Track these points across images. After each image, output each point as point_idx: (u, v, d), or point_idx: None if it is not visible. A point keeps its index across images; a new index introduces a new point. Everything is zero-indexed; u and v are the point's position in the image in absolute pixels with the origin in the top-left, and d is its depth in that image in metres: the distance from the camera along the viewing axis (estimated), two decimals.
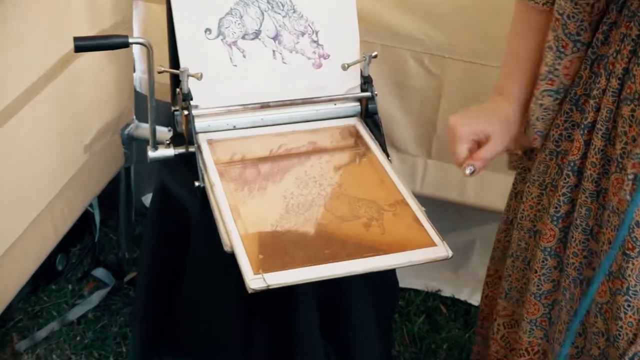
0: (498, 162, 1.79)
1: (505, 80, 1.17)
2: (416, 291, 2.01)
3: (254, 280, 1.07)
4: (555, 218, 1.14)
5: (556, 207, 1.13)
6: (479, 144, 1.14)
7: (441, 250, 1.15)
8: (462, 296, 2.00)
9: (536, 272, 1.19)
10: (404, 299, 1.99)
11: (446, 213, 2.07)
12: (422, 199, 1.38)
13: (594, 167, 1.08)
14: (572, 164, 1.10)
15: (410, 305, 1.98)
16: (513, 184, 1.28)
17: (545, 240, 1.16)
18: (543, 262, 1.17)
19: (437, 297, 2.00)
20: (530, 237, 1.22)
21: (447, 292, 2.02)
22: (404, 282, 2.01)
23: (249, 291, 1.06)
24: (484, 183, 1.80)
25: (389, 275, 1.44)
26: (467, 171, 1.11)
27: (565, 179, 1.12)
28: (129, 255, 2.04)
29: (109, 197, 2.00)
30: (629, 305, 1.05)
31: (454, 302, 1.99)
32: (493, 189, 1.80)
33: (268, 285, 1.07)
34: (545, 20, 1.08)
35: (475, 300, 1.97)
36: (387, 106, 1.75)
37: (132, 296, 1.93)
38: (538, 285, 1.19)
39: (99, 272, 1.98)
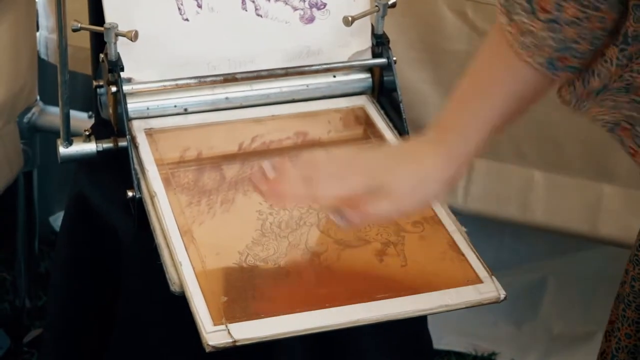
0: (577, 163, 1.84)
1: (451, 111, 1.12)
2: (459, 355, 2.04)
3: (215, 334, 1.09)
4: None
5: None
6: None
7: (489, 288, 1.18)
8: None
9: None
10: None
11: (501, 238, 2.11)
12: (466, 217, 1.41)
13: None
14: None
15: None
16: None
17: None
18: None
19: None
20: None
21: (505, 357, 2.04)
22: (442, 341, 2.04)
23: (207, 349, 1.08)
24: (558, 193, 1.83)
25: (417, 328, 1.47)
26: (336, 218, 1.08)
27: None
28: (30, 304, 2.06)
29: (1, 217, 2.02)
30: None
31: None
32: (573, 202, 1.83)
33: (234, 341, 1.09)
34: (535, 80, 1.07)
35: None
36: (411, 79, 1.78)
37: None
38: None
39: None
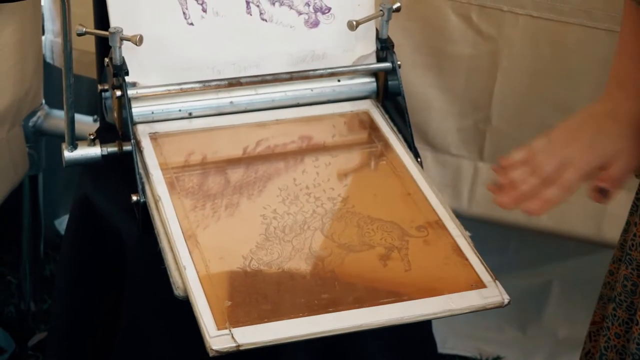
0: None
1: (625, 66, 1.21)
2: (464, 359, 2.04)
3: (218, 338, 1.09)
4: None
5: None
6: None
7: (493, 293, 1.18)
8: None
9: (638, 324, 1.21)
10: None
11: (506, 242, 2.11)
12: (471, 221, 1.41)
13: None
14: None
15: None
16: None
17: None
18: None
19: None
20: None
21: None
22: (446, 344, 2.04)
23: (211, 354, 1.09)
24: None
25: (421, 332, 1.47)
26: (598, 196, 1.18)
27: None
28: (35, 307, 2.07)
29: (6, 220, 2.03)
30: None
31: None
32: (579, 206, 1.82)
33: (238, 346, 1.09)
34: None
35: None
36: (416, 83, 1.78)
37: None
38: (639, 345, 1.22)
39: None
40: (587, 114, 1.23)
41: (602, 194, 1.18)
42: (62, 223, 2.19)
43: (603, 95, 1.22)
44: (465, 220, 1.34)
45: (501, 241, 2.09)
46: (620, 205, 1.78)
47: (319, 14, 1.44)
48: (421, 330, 1.47)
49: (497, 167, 1.22)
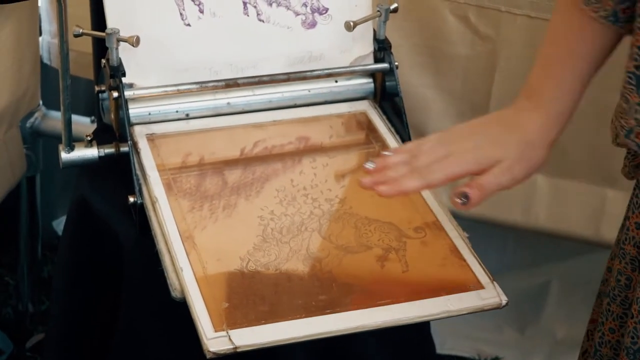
0: (581, 168, 1.84)
1: (537, 74, 1.20)
2: (463, 359, 2.04)
3: (215, 340, 1.09)
4: None
5: None
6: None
7: (490, 294, 1.18)
8: None
9: (633, 317, 1.22)
10: None
11: (505, 242, 2.11)
12: (469, 222, 1.41)
13: None
14: None
15: None
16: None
17: None
18: None
19: None
20: (635, 269, 1.25)
21: None
22: (445, 345, 2.04)
23: (208, 356, 1.09)
24: (562, 197, 1.83)
25: (420, 333, 1.47)
26: (458, 200, 1.13)
27: None
28: (33, 309, 2.07)
29: (4, 222, 2.03)
30: None
31: None
32: (576, 206, 1.83)
33: (235, 348, 1.09)
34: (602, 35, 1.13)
35: None
36: (414, 84, 1.78)
37: None
38: (634, 338, 1.22)
39: None
40: (490, 117, 1.20)
41: (462, 198, 1.13)
42: (59, 224, 2.19)
43: (512, 102, 1.20)
44: (464, 220, 1.34)
45: (499, 242, 2.09)
46: (618, 205, 1.79)
47: (316, 14, 1.44)
48: (420, 331, 1.47)
49: (381, 154, 1.18)
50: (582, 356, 1.38)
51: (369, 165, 1.17)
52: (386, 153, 1.18)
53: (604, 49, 1.16)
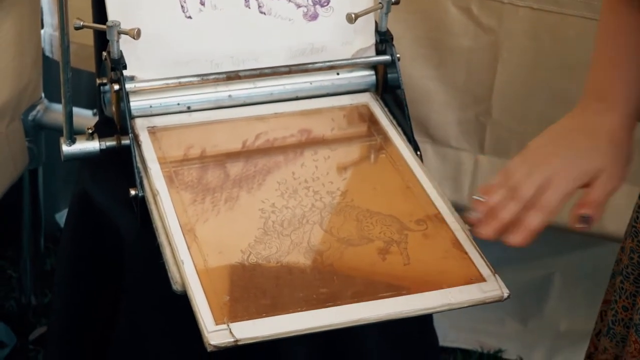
0: None
1: (603, 78, 1.20)
2: (465, 352, 2.04)
3: (216, 333, 1.09)
4: None
5: None
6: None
7: (492, 287, 1.18)
8: (534, 359, 2.03)
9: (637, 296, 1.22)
10: None
11: None
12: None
13: None
14: None
15: None
16: None
17: None
18: None
19: None
20: None
21: (511, 354, 2.05)
22: (447, 338, 2.04)
23: (209, 349, 1.09)
24: None
25: (422, 326, 1.47)
26: (581, 224, 1.14)
27: None
28: (36, 301, 2.07)
29: (7, 215, 2.03)
30: None
31: None
32: (579, 198, 1.82)
33: (237, 341, 1.09)
34: None
35: None
36: (416, 76, 1.78)
37: None
38: None
39: None
40: (566, 127, 1.19)
41: (584, 221, 1.14)
42: (62, 217, 2.19)
43: (578, 106, 1.19)
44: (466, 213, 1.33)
45: None
46: (622, 197, 1.78)
47: (317, 6, 1.44)
48: (422, 324, 1.47)
49: (476, 200, 1.17)
50: (595, 337, 1.37)
51: (475, 216, 1.16)
52: (479, 197, 1.16)
53: None
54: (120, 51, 1.33)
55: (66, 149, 1.36)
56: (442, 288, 1.17)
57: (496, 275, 1.19)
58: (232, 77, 1.40)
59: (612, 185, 1.16)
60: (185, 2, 1.39)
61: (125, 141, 1.33)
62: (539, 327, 2.06)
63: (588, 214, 1.14)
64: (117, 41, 1.32)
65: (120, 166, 1.35)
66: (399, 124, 1.42)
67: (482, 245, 1.24)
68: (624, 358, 1.26)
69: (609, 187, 1.15)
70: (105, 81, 1.38)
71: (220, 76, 1.40)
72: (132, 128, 1.35)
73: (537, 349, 2.04)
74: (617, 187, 1.17)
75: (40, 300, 2.07)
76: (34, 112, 1.94)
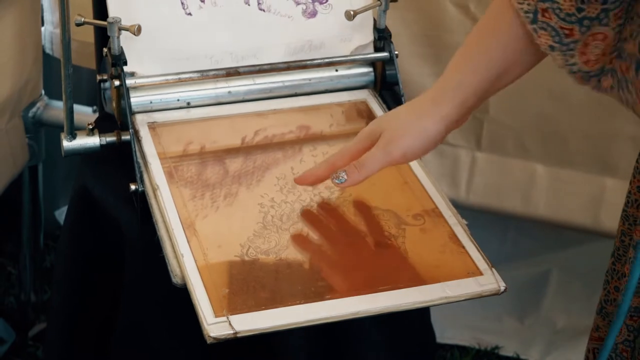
0: (581, 157, 1.85)
1: (456, 66, 1.20)
2: (462, 348, 2.05)
3: (216, 326, 1.10)
4: None
5: None
6: None
7: (489, 280, 1.19)
8: (531, 356, 2.04)
9: (625, 276, 1.23)
10: (444, 359, 2.02)
11: (505, 231, 2.11)
12: (469, 211, 1.42)
13: None
14: None
15: None
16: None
17: None
18: (636, 261, 1.21)
19: (493, 357, 2.04)
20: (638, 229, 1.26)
21: (508, 351, 2.05)
22: (445, 334, 2.05)
23: (209, 341, 1.09)
24: (561, 186, 1.84)
25: (420, 321, 1.48)
26: (336, 180, 1.19)
27: None
28: (35, 298, 2.08)
29: (6, 211, 2.03)
30: None
31: None
32: (576, 195, 1.83)
33: (236, 333, 1.10)
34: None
35: None
36: (414, 73, 1.79)
37: (41, 357, 1.97)
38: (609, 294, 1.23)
39: None
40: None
41: (337, 177, 1.19)
42: (62, 214, 2.20)
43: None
44: (463, 209, 1.34)
45: (499, 231, 2.10)
46: (617, 194, 1.79)
47: (316, 4, 1.45)
48: (420, 319, 1.48)
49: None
50: (598, 314, 1.39)
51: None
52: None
53: (516, 56, 1.15)
54: (121, 47, 1.34)
55: (67, 144, 1.37)
56: (439, 282, 1.18)
57: (493, 269, 1.20)
58: (232, 73, 1.41)
59: (386, 158, 1.18)
60: None
61: (126, 137, 1.34)
62: (536, 324, 2.06)
63: (344, 173, 1.19)
64: (118, 37, 1.33)
65: (120, 162, 1.35)
66: None
67: (480, 242, 1.25)
68: None
69: (382, 159, 1.18)
70: (105, 77, 1.39)
71: (220, 72, 1.41)
72: (133, 124, 1.36)
73: (534, 346, 2.04)
74: (393, 161, 1.19)
75: (40, 296, 2.08)
76: (34, 109, 1.94)
